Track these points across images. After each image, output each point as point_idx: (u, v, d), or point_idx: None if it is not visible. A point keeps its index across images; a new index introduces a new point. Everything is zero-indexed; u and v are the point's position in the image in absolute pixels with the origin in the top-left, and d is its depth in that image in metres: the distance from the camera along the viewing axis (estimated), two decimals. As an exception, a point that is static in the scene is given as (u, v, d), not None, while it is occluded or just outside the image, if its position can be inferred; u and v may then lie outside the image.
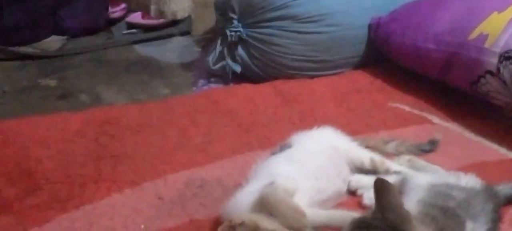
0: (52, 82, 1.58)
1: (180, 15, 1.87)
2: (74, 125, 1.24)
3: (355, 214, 0.83)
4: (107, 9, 1.84)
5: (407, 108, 1.31)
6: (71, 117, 1.28)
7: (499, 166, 1.07)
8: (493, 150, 1.14)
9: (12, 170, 1.09)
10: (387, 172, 0.99)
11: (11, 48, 1.68)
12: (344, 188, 1.01)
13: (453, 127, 1.23)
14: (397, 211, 0.73)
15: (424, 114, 1.28)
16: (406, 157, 1.06)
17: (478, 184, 0.90)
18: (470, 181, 0.91)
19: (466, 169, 0.96)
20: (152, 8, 1.86)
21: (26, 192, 1.03)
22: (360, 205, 0.95)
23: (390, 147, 1.10)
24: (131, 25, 1.86)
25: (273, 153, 1.03)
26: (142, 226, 0.94)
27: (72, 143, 1.18)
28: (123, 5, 1.92)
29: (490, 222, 0.84)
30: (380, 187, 0.74)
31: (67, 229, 0.94)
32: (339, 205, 0.97)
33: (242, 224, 0.80)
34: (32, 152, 1.14)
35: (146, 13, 1.91)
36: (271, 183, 0.88)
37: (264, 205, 0.86)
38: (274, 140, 1.10)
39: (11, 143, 1.18)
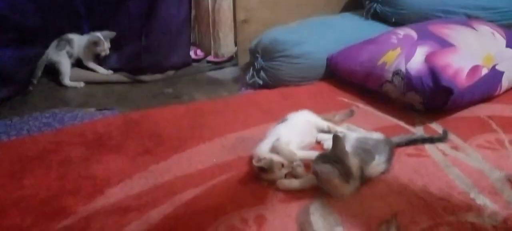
0: (170, 90, 2.19)
1: (227, 55, 2.57)
2: (181, 111, 1.82)
3: (317, 153, 1.27)
4: (190, 54, 2.57)
5: (346, 100, 1.87)
6: (179, 107, 1.87)
7: (393, 128, 1.56)
8: (390, 120, 1.66)
9: (151, 133, 1.60)
10: (336, 132, 1.39)
11: (152, 76, 2.36)
12: (314, 140, 1.47)
13: (369, 109, 1.77)
14: (342, 150, 1.15)
15: (355, 102, 1.83)
16: (345, 125, 1.61)
17: (381, 137, 1.36)
18: (378, 135, 1.37)
19: (376, 130, 1.51)
20: (212, 51, 2.60)
21: (158, 144, 1.52)
22: (323, 149, 1.42)
23: (336, 117, 1.61)
24: (207, 61, 2.59)
25: (278, 123, 1.45)
26: (214, 159, 1.40)
27: (180, 120, 1.73)
28: (199, 51, 2.66)
29: (387, 156, 1.28)
30: (336, 137, 1.17)
31: (178, 162, 1.39)
32: (312, 149, 1.42)
33: (264, 158, 1.22)
34: (160, 124, 1.68)
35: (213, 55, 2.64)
36: (278, 139, 1.32)
37: (275, 149, 1.29)
38: (279, 116, 1.53)
39: (150, 120, 1.72)
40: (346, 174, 1.18)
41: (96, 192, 1.29)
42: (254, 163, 1.24)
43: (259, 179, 1.28)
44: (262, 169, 1.25)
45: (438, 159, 1.42)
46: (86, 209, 1.22)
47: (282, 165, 1.26)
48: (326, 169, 1.16)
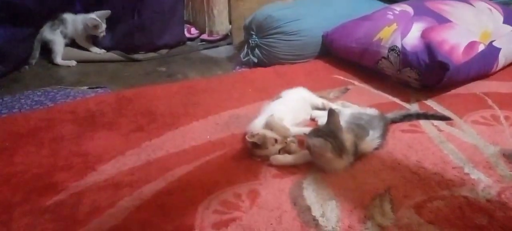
0: (163, 69, 2.22)
1: (222, 33, 2.58)
2: (174, 89, 1.82)
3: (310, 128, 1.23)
4: (184, 32, 2.58)
5: (341, 77, 1.90)
6: (172, 85, 1.88)
7: (388, 105, 1.56)
8: (385, 97, 1.66)
9: (144, 111, 1.60)
10: (330, 108, 1.40)
11: (145, 55, 2.38)
12: (308, 117, 1.48)
13: (365, 86, 1.79)
14: (336, 124, 1.14)
15: (350, 80, 1.85)
16: (340, 102, 1.61)
17: (376, 112, 1.36)
18: (372, 111, 1.37)
19: (371, 107, 1.50)
20: (207, 29, 2.59)
21: (150, 121, 1.53)
22: (317, 125, 1.40)
23: (331, 94, 1.63)
24: (201, 40, 2.61)
25: (273, 100, 1.47)
26: (208, 136, 1.41)
27: (173, 97, 1.72)
28: (193, 30, 2.66)
29: (382, 131, 1.28)
30: (331, 111, 1.17)
31: (171, 139, 1.39)
32: (306, 125, 1.42)
33: (257, 134, 1.22)
34: (154, 102, 1.67)
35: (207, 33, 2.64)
36: (271, 115, 1.32)
37: (268, 125, 1.28)
38: (274, 94, 1.55)
39: (143, 98, 1.73)
40: (339, 148, 1.17)
41: (88, 168, 1.28)
42: (247, 138, 1.23)
43: (252, 155, 1.28)
44: (255, 145, 1.24)
45: (433, 134, 1.41)
46: (77, 185, 1.20)
47: (276, 141, 1.25)
48: (318, 142, 1.15)
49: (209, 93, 1.79)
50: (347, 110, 1.41)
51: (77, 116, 1.62)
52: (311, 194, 1.15)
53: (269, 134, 1.25)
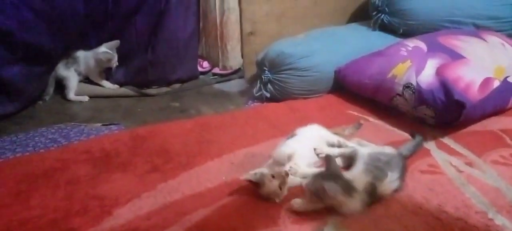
0: (176, 104, 2.20)
1: (235, 67, 2.55)
2: (188, 126, 1.80)
3: None
4: (197, 66, 2.56)
5: (355, 113, 1.87)
6: (186, 122, 1.85)
7: (402, 142, 1.53)
8: (401, 134, 1.64)
9: (159, 150, 1.59)
10: (346, 147, 1.42)
11: (158, 89, 2.38)
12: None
13: (379, 122, 1.76)
14: (335, 168, 1.20)
15: (365, 116, 1.81)
16: (356, 139, 1.56)
17: (394, 152, 1.33)
18: (390, 150, 1.34)
19: (388, 144, 1.48)
20: (220, 64, 2.57)
21: (166, 161, 1.50)
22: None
23: (346, 131, 1.58)
24: (213, 74, 2.58)
25: (288, 138, 1.42)
26: (224, 177, 1.37)
27: (188, 135, 1.70)
28: (206, 63, 2.64)
29: (400, 172, 1.26)
30: (327, 157, 1.25)
31: (187, 180, 1.37)
32: (322, 166, 1.34)
33: (256, 173, 1.22)
34: (168, 140, 1.66)
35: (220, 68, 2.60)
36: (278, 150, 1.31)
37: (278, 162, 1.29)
38: (287, 131, 1.50)
39: (158, 135, 1.71)
40: (347, 188, 1.16)
41: (104, 213, 1.26)
42: (241, 177, 1.23)
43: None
44: (254, 184, 1.23)
45: (453, 176, 1.39)
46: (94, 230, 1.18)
47: (272, 176, 1.23)
48: (329, 185, 1.14)
49: (223, 130, 1.77)
50: (364, 151, 1.38)
51: (92, 156, 1.60)
52: (332, 242, 1.12)
53: (264, 170, 1.23)
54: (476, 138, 1.61)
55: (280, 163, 1.28)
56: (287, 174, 1.26)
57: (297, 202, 1.24)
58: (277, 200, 1.26)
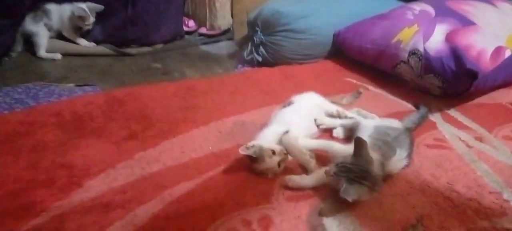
0: (158, 66, 2.08)
1: (223, 28, 2.42)
2: (171, 89, 1.67)
3: (332, 142, 1.18)
4: (182, 25, 2.41)
5: (354, 81, 1.79)
6: (169, 85, 1.71)
7: (405, 113, 1.44)
8: (403, 105, 1.56)
9: (137, 115, 1.46)
10: (345, 117, 1.37)
11: (139, 49, 2.22)
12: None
13: (380, 91, 1.70)
14: (366, 158, 0.99)
15: (364, 84, 1.75)
16: (355, 109, 1.46)
17: (401, 125, 1.22)
18: (397, 124, 1.23)
19: (389, 115, 1.41)
20: (208, 23, 2.43)
21: (145, 128, 1.38)
22: (331, 137, 1.32)
23: (344, 100, 1.54)
24: (200, 34, 2.44)
25: (283, 106, 1.35)
26: (210, 147, 1.28)
27: (170, 99, 1.58)
28: (191, 22, 2.48)
29: (409, 150, 1.16)
30: (359, 142, 1.00)
31: (169, 149, 1.26)
32: (320, 137, 1.31)
33: (253, 146, 1.10)
34: (148, 104, 1.53)
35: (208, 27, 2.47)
36: (286, 132, 1.17)
37: (283, 144, 1.15)
38: (280, 99, 1.44)
39: (137, 99, 1.58)
40: (374, 186, 1.01)
41: (73, 184, 1.12)
42: (241, 151, 1.10)
43: (253, 170, 1.15)
44: (251, 158, 1.12)
45: (462, 151, 1.28)
46: (60, 205, 1.05)
47: (273, 152, 1.12)
48: (354, 191, 0.98)
49: (210, 95, 1.64)
50: (370, 123, 1.26)
51: (62, 119, 1.45)
52: (333, 224, 1.01)
53: (266, 144, 1.12)
54: (484, 111, 1.51)
55: (287, 149, 1.17)
56: (310, 157, 1.16)
57: (293, 180, 1.11)
58: (269, 176, 1.14)
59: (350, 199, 0.97)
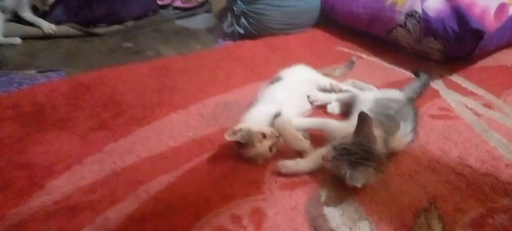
0: (129, 45, 1.94)
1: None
2: (144, 70, 1.55)
3: (327, 120, 1.07)
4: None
5: (346, 50, 1.71)
6: (142, 65, 1.59)
7: (404, 82, 1.36)
8: (401, 73, 1.49)
9: (106, 101, 1.34)
10: (340, 90, 1.28)
11: (107, 28, 2.07)
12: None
13: (375, 60, 1.61)
14: (369, 135, 0.89)
15: (357, 53, 1.66)
16: (350, 80, 1.36)
17: (402, 96, 1.13)
18: (397, 94, 1.15)
19: (387, 85, 1.32)
20: None
21: (115, 115, 1.27)
22: (326, 113, 1.22)
23: (337, 72, 1.44)
24: (174, 7, 2.31)
25: (271, 83, 1.25)
26: (191, 133, 1.17)
27: (143, 81, 1.46)
28: None
29: (414, 123, 1.05)
30: (364, 118, 0.88)
31: (143, 138, 1.15)
32: (314, 114, 1.22)
33: (240, 129, 1.00)
34: (119, 89, 1.41)
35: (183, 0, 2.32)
36: (278, 114, 1.05)
37: (276, 128, 1.04)
38: (268, 74, 1.37)
39: (105, 83, 1.45)
40: (379, 167, 0.89)
41: (33, 186, 0.99)
42: (227, 137, 0.98)
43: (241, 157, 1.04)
44: (239, 144, 1.00)
45: (471, 120, 1.17)
46: (18, 211, 0.92)
47: (264, 136, 1.00)
48: (360, 175, 0.86)
49: (188, 75, 1.52)
50: (367, 95, 1.14)
51: (20, 112, 1.30)
52: (335, 213, 0.89)
53: (255, 127, 1.00)
54: (490, 75, 1.40)
55: (281, 134, 1.05)
56: (304, 137, 1.05)
57: (286, 165, 0.99)
58: (260, 162, 1.03)
59: (359, 185, 0.84)
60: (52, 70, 1.65)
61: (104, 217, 0.90)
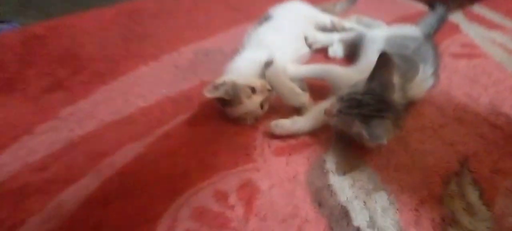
0: None
1: None
2: (108, 15, 1.39)
3: (330, 66, 0.92)
4: None
5: None
6: (106, 11, 1.43)
7: (417, 16, 1.24)
8: (412, 6, 1.37)
9: (63, 55, 1.18)
10: (343, 29, 1.13)
11: None
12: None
13: None
14: (388, 84, 0.72)
15: None
16: (354, 16, 1.22)
17: (417, 32, 0.96)
18: (412, 30, 0.98)
19: (397, 20, 1.19)
20: None
21: (74, 71, 1.11)
22: (326, 57, 1.09)
23: (338, 7, 1.31)
24: None
25: (259, 24, 1.10)
26: (164, 90, 1.01)
27: (107, 29, 1.31)
28: None
29: (435, 64, 0.90)
30: (385, 61, 0.72)
31: (107, 98, 1.00)
32: (312, 60, 1.08)
33: (223, 83, 0.85)
34: (78, 39, 1.26)
35: None
36: (270, 62, 0.91)
37: (270, 81, 0.89)
38: (255, 14, 1.20)
39: (62, 34, 1.29)
40: (397, 120, 0.71)
41: None
42: (207, 93, 0.82)
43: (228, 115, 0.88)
44: (223, 101, 0.84)
45: (501, 58, 1.01)
46: None
47: (252, 90, 0.84)
48: (382, 128, 0.68)
49: (161, 19, 1.35)
50: (378, 34, 0.97)
51: None
52: (344, 183, 0.72)
53: (241, 79, 0.85)
54: (518, 2, 1.19)
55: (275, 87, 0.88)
56: (302, 88, 0.89)
57: (281, 125, 0.82)
58: (249, 122, 0.86)
59: (385, 142, 0.67)
60: (3, 22, 1.45)
61: (58, 200, 0.74)
